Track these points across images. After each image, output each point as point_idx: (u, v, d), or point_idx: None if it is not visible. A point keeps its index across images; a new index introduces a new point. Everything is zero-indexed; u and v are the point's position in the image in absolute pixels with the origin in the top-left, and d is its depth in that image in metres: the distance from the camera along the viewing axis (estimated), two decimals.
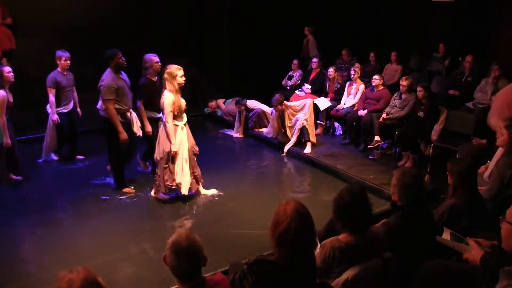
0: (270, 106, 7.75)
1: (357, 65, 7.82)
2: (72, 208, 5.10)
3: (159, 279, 3.54)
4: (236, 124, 8.22)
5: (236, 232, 4.56)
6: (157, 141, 5.09)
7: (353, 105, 7.44)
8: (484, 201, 3.55)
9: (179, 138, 5.00)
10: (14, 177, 5.66)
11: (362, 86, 7.51)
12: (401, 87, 6.61)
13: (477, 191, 3.54)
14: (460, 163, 3.53)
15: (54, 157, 6.45)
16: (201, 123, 8.69)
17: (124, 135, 5.08)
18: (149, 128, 5.38)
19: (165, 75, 4.92)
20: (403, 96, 6.64)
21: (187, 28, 9.95)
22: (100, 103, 5.37)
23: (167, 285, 3.28)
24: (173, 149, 4.95)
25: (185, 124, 5.10)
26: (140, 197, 5.32)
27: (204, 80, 10.06)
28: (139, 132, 5.47)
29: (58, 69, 6.07)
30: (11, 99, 5.45)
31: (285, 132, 7.24)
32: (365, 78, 7.94)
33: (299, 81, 8.76)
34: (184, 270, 2.07)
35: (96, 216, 4.86)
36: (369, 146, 6.78)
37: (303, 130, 6.99)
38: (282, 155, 7.03)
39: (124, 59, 5.13)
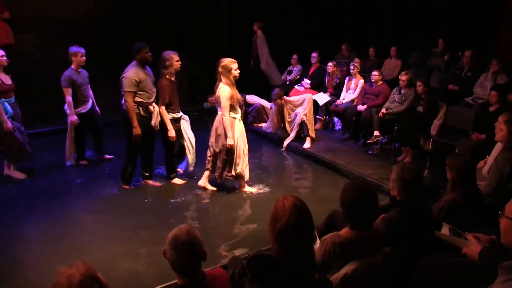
0: (269, 101, 7.74)
1: (357, 60, 7.80)
2: (77, 204, 5.08)
3: (158, 274, 3.55)
4: None
5: (235, 227, 4.56)
6: (214, 134, 5.11)
7: (352, 100, 7.44)
8: (483, 196, 3.56)
9: (237, 131, 5.04)
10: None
11: (362, 81, 7.50)
12: (401, 82, 6.61)
13: (476, 186, 3.55)
14: (459, 158, 3.53)
15: (69, 163, 6.00)
16: (200, 118, 8.66)
17: (137, 130, 4.98)
18: (172, 133, 5.20)
19: (220, 69, 4.96)
20: (403, 91, 6.64)
21: (186, 22, 9.93)
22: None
23: (166, 280, 3.28)
24: (229, 142, 4.96)
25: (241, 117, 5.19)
26: (140, 193, 5.32)
27: (203, 75, 10.04)
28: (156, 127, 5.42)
29: (72, 66, 5.69)
30: (8, 82, 5.34)
31: (285, 127, 7.23)
32: (365, 73, 7.93)
33: (298, 76, 8.75)
34: (184, 265, 2.07)
35: (97, 212, 4.86)
36: (368, 141, 6.78)
37: (302, 125, 6.99)
38: (282, 150, 7.03)
39: (150, 54, 5.01)
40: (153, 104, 5.16)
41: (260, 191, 5.39)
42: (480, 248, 2.64)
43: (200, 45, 10.10)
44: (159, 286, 3.37)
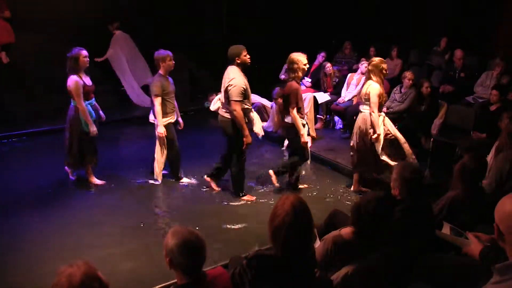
0: (270, 100, 7.73)
1: (363, 59, 7.82)
2: (76, 202, 5.08)
3: (159, 273, 3.55)
4: None
5: (236, 226, 4.56)
6: (358, 132, 5.08)
7: (352, 99, 7.43)
8: (484, 195, 3.55)
9: (382, 127, 5.00)
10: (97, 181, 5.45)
11: (364, 78, 7.49)
12: (407, 81, 6.58)
13: (477, 185, 3.54)
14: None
15: (158, 180, 5.47)
16: (200, 117, 8.65)
17: (249, 138, 4.82)
18: (306, 138, 4.97)
19: (371, 67, 4.95)
20: (403, 90, 6.63)
21: (186, 21, 9.91)
22: (215, 105, 5.22)
23: (166, 280, 3.29)
24: (379, 131, 4.91)
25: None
26: (140, 192, 5.32)
27: (204, 74, 10.04)
28: (261, 133, 5.53)
29: (161, 72, 5.13)
30: (89, 83, 5.11)
31: None
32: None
33: None
34: (188, 265, 2.08)
35: (97, 210, 4.85)
36: None
37: None
38: (282, 148, 7.02)
39: (249, 56, 4.78)
40: (252, 109, 5.08)
41: (260, 190, 5.39)
42: (480, 248, 2.64)
43: (200, 45, 10.09)
44: (159, 286, 3.38)
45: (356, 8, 9.79)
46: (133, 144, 7.21)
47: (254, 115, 5.15)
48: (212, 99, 9.29)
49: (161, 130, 5.13)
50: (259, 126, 5.20)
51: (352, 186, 5.36)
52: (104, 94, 7.74)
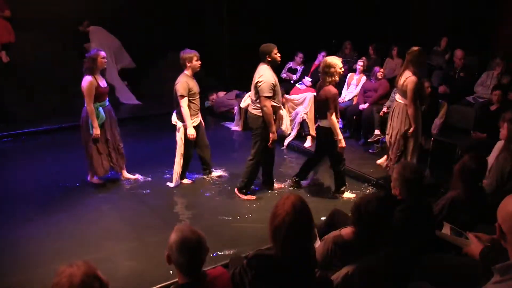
0: None
1: (363, 58, 7.83)
2: (75, 202, 5.08)
3: (159, 273, 3.54)
4: (236, 117, 8.22)
5: (236, 226, 4.56)
6: (393, 124, 5.10)
7: (353, 98, 7.43)
8: (484, 195, 3.55)
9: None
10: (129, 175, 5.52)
11: (364, 77, 7.49)
12: None
13: (477, 185, 3.54)
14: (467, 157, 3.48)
15: (175, 183, 5.38)
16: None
17: (275, 134, 4.83)
18: (343, 143, 4.97)
19: (409, 57, 4.90)
20: None
21: (187, 21, 9.92)
22: (245, 102, 5.21)
23: (167, 279, 3.29)
24: (411, 130, 4.96)
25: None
26: (141, 191, 5.32)
27: (204, 74, 10.03)
28: (289, 131, 5.55)
29: (186, 72, 5.07)
30: (104, 85, 5.07)
31: None
32: (365, 71, 7.91)
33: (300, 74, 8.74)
34: (189, 265, 2.08)
35: (98, 209, 4.86)
36: (369, 140, 6.78)
37: (303, 124, 7.00)
38: (282, 148, 7.02)
39: (280, 55, 4.80)
40: (281, 107, 5.08)
41: (260, 189, 5.39)
42: (481, 248, 2.64)
43: (201, 43, 10.08)
44: (160, 285, 3.38)
45: (356, 8, 9.78)
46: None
47: (283, 112, 5.12)
48: (212, 99, 9.32)
49: (191, 132, 5.08)
50: (286, 124, 5.15)
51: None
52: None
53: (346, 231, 2.62)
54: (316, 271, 2.43)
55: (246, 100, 5.45)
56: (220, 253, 3.95)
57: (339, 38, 9.55)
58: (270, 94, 4.68)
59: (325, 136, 4.98)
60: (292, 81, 8.80)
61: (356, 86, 7.50)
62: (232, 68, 9.93)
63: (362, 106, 6.99)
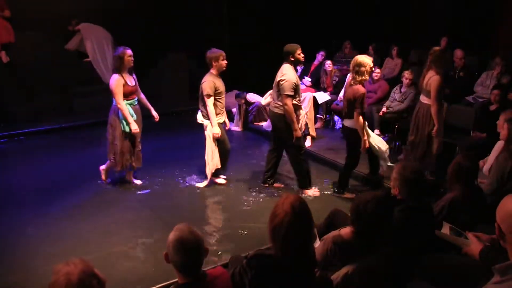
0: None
1: None
2: (75, 201, 5.08)
3: (159, 273, 3.55)
4: (236, 117, 8.21)
5: (236, 226, 4.55)
6: (416, 123, 5.09)
7: None
8: (484, 195, 3.55)
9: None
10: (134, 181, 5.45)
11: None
12: (407, 81, 6.58)
13: (477, 185, 3.54)
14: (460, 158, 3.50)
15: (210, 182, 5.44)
16: None
17: (299, 132, 4.88)
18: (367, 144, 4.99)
19: (432, 57, 4.90)
20: (403, 89, 6.63)
21: (186, 21, 9.90)
22: (266, 100, 5.16)
23: (166, 279, 3.28)
24: (435, 130, 4.95)
25: None
26: (141, 190, 5.33)
27: (204, 74, 10.02)
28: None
29: (212, 71, 5.10)
30: (132, 83, 5.05)
31: None
32: None
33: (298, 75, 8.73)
34: (188, 265, 2.08)
35: (98, 209, 4.85)
36: None
37: None
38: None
39: (303, 55, 4.88)
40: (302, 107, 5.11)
41: (261, 189, 5.39)
42: (480, 248, 2.64)
43: (200, 43, 10.07)
44: (160, 285, 3.38)
45: (356, 8, 9.78)
46: None
47: (302, 112, 5.15)
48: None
49: (217, 131, 5.08)
50: (302, 124, 5.13)
51: None
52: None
53: (346, 231, 2.62)
54: (316, 271, 2.43)
55: (267, 98, 5.43)
56: (220, 253, 3.96)
57: (339, 38, 9.56)
58: (292, 93, 4.74)
59: (352, 135, 4.95)
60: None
61: None
62: (232, 68, 9.90)
63: None
